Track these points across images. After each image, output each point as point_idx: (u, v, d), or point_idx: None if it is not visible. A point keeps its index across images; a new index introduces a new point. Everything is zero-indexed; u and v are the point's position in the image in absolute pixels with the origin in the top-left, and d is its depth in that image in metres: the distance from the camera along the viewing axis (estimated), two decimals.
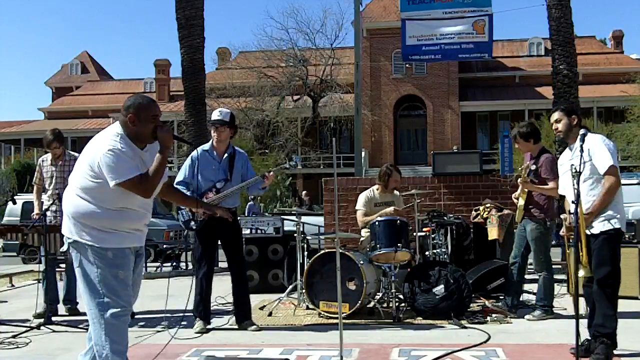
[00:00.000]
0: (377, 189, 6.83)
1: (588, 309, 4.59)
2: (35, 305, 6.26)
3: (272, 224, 8.42)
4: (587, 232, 4.34)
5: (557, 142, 4.76)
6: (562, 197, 4.83)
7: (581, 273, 4.36)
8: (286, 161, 6.77)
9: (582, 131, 4.26)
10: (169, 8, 77.53)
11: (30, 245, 8.28)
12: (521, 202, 5.80)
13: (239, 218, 6.20)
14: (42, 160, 6.60)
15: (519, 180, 5.80)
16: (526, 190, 5.74)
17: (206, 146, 5.83)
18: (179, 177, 5.74)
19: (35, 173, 6.66)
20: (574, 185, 4.06)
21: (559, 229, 5.07)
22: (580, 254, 4.23)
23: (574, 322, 3.95)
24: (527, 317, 5.79)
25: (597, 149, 4.36)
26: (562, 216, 4.74)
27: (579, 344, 4.40)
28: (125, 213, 3.51)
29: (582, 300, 4.51)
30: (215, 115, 5.73)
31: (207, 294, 5.66)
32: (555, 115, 4.66)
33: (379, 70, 34.00)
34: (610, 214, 4.35)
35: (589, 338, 4.45)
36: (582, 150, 4.23)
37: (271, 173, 5.69)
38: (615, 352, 4.52)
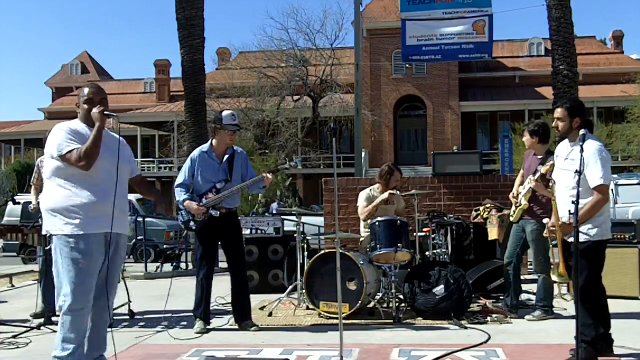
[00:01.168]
0: (378, 188, 6.82)
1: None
2: (35, 306, 6.26)
3: (272, 224, 8.42)
4: (568, 239, 4.32)
5: (558, 138, 4.67)
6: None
7: (554, 278, 4.38)
8: (286, 161, 6.76)
9: (582, 131, 4.20)
10: (169, 8, 77.67)
11: (30, 245, 8.28)
12: (524, 202, 5.75)
13: (239, 218, 6.20)
14: (41, 161, 6.59)
15: (529, 180, 5.70)
16: (531, 190, 5.68)
17: (205, 147, 5.80)
18: (179, 179, 5.73)
19: (34, 173, 6.66)
20: (574, 185, 4.04)
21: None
22: (559, 260, 4.24)
23: (574, 322, 3.95)
24: (527, 317, 5.78)
25: (592, 162, 4.21)
26: (544, 220, 4.68)
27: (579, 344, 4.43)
28: (89, 193, 3.70)
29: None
30: (230, 120, 5.67)
31: (207, 294, 5.65)
32: (558, 113, 4.50)
33: (379, 70, 34.01)
34: (590, 225, 4.22)
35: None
36: (582, 150, 4.16)
37: (270, 174, 5.67)
38: (615, 351, 4.52)
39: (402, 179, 7.27)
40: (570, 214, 4.03)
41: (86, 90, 3.97)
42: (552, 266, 4.75)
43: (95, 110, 3.80)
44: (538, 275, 5.87)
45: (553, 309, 5.86)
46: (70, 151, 3.68)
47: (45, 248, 5.79)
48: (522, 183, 5.92)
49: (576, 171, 4.06)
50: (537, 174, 5.55)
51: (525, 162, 6.01)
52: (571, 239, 4.24)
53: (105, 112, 3.80)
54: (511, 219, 5.98)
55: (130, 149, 4.18)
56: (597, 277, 4.32)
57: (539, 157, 5.79)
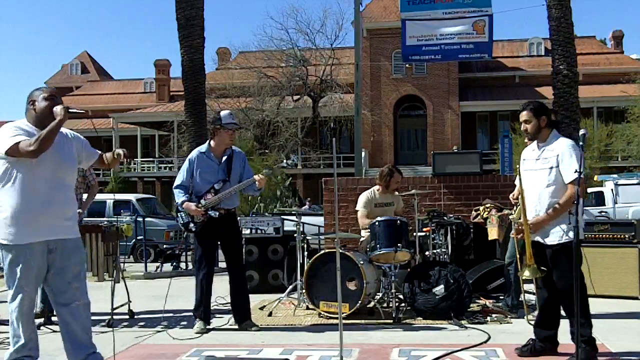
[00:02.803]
0: (378, 190, 6.83)
1: (539, 307, 4.65)
2: (35, 306, 6.26)
3: (272, 224, 8.42)
4: (542, 240, 4.36)
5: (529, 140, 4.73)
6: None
7: (526, 273, 4.40)
8: (283, 160, 6.75)
9: (582, 131, 4.24)
10: (169, 8, 77.54)
11: None
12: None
13: (238, 218, 6.19)
14: None
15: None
16: None
17: (203, 148, 5.78)
18: (177, 180, 5.72)
19: None
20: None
21: None
22: (525, 255, 4.27)
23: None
24: (527, 317, 5.77)
25: (567, 157, 4.29)
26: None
27: (525, 344, 4.50)
28: (29, 201, 3.61)
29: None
30: (230, 119, 5.67)
31: (207, 295, 5.65)
32: (524, 115, 4.50)
33: (379, 70, 34.01)
34: (566, 227, 4.24)
35: (534, 338, 4.50)
36: (583, 150, 4.20)
37: (262, 176, 5.63)
38: (613, 351, 4.53)
39: (402, 179, 7.27)
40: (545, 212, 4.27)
41: (43, 88, 3.85)
42: (521, 265, 4.79)
43: (58, 107, 3.65)
44: None
45: None
46: (17, 142, 3.52)
47: None
48: None
49: (576, 171, 4.09)
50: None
51: None
52: (537, 238, 4.37)
53: (70, 110, 3.66)
54: (511, 217, 5.98)
55: (79, 140, 3.93)
56: (581, 273, 4.34)
57: None
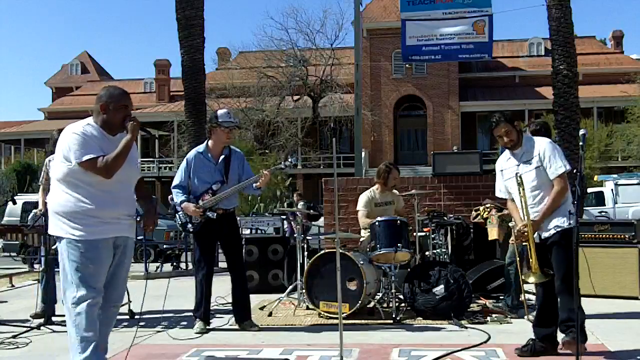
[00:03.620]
0: (377, 189, 6.83)
1: (537, 306, 4.67)
2: (35, 306, 6.26)
3: (272, 224, 8.42)
4: (541, 236, 4.40)
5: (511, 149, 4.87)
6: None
7: (531, 279, 4.41)
8: (281, 161, 6.75)
9: (582, 131, 4.26)
10: (169, 8, 77.68)
11: (30, 245, 8.27)
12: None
13: (238, 218, 6.19)
14: (49, 160, 6.57)
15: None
16: None
17: (200, 148, 5.76)
18: (175, 180, 5.71)
19: (42, 173, 6.62)
20: (574, 186, 4.07)
21: None
22: (531, 260, 4.28)
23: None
24: (527, 317, 5.78)
25: (548, 154, 4.40)
26: (510, 224, 4.74)
27: (525, 344, 4.49)
28: (100, 199, 3.68)
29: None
30: (226, 117, 5.64)
31: (207, 295, 5.64)
32: (503, 127, 4.50)
33: (379, 70, 34.00)
34: (561, 216, 4.36)
35: (533, 338, 4.51)
36: (583, 150, 4.22)
37: (265, 173, 5.63)
38: (612, 350, 4.53)
39: (402, 179, 7.27)
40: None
41: (119, 94, 3.82)
42: (525, 269, 4.80)
43: (131, 123, 3.73)
44: None
45: None
46: (91, 159, 3.61)
47: (52, 248, 5.76)
48: None
49: (576, 171, 4.12)
50: None
51: None
52: (546, 233, 4.38)
53: (141, 128, 3.79)
54: (510, 224, 6.00)
55: (136, 151, 4.10)
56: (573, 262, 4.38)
57: None
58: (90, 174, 3.64)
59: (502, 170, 4.69)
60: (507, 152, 4.64)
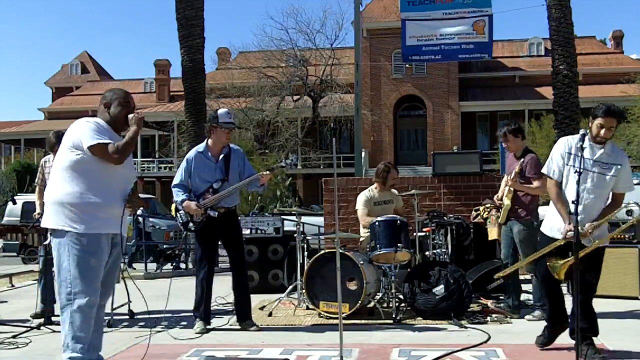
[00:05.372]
0: (376, 188, 6.83)
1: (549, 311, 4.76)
2: (35, 306, 6.26)
3: (272, 224, 8.42)
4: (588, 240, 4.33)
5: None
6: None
7: (557, 271, 4.39)
8: (282, 160, 6.76)
9: (582, 131, 4.25)
10: (169, 8, 77.75)
11: (30, 245, 8.29)
12: (507, 202, 5.83)
13: (239, 218, 6.19)
14: (45, 161, 6.57)
15: (506, 180, 5.89)
16: (512, 190, 5.78)
17: (200, 147, 5.77)
18: (176, 180, 5.71)
19: (38, 174, 6.63)
20: (576, 186, 4.05)
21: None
22: (565, 261, 4.28)
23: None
24: (527, 317, 5.79)
25: (629, 169, 4.52)
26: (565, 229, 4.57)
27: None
28: (104, 193, 3.69)
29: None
30: (227, 117, 5.65)
31: (207, 295, 5.65)
32: (615, 123, 4.48)
33: (379, 70, 33.99)
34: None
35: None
36: (582, 150, 4.23)
37: (267, 172, 5.67)
38: (612, 350, 4.53)
39: (402, 179, 7.28)
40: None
41: (121, 92, 3.96)
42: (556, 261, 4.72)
43: (134, 115, 3.83)
44: (531, 275, 5.90)
45: None
46: (104, 143, 3.65)
47: (45, 243, 5.76)
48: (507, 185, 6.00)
49: (576, 171, 4.12)
50: (513, 173, 5.74)
51: (508, 167, 6.12)
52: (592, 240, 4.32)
53: (145, 120, 3.87)
54: (499, 220, 6.03)
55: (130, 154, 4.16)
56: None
57: (518, 155, 5.91)
58: (99, 161, 3.67)
59: (569, 153, 4.48)
60: (586, 140, 4.36)
